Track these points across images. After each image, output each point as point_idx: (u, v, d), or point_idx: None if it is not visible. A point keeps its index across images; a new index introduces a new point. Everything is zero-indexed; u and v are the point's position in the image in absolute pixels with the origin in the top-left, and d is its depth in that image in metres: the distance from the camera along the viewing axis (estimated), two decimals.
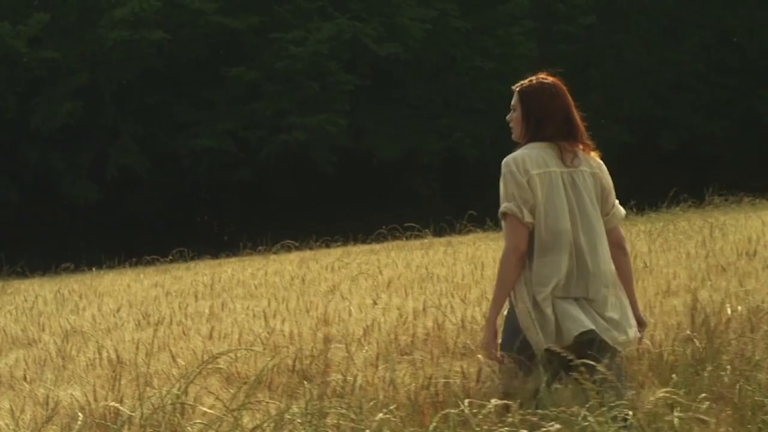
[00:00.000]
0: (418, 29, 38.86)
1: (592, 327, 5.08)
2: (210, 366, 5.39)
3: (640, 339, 5.41)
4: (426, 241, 20.25)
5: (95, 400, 4.40)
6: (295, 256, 19.26)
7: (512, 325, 5.19)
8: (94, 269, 21.78)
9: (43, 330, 7.93)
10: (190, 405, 4.13)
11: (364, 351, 5.97)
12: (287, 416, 3.77)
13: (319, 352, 5.48)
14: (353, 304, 8.14)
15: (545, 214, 5.21)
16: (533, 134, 5.38)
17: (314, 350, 5.85)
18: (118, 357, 5.76)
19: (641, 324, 5.40)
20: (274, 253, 22.16)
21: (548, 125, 5.35)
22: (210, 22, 36.98)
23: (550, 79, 5.50)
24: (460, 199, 39.36)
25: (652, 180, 38.43)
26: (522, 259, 5.19)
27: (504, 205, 5.23)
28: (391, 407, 4.16)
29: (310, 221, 34.91)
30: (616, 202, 5.44)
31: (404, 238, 22.46)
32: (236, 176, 37.49)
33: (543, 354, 5.00)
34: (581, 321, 5.08)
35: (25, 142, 36.08)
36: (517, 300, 5.19)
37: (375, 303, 8.45)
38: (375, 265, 13.27)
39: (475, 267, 11.65)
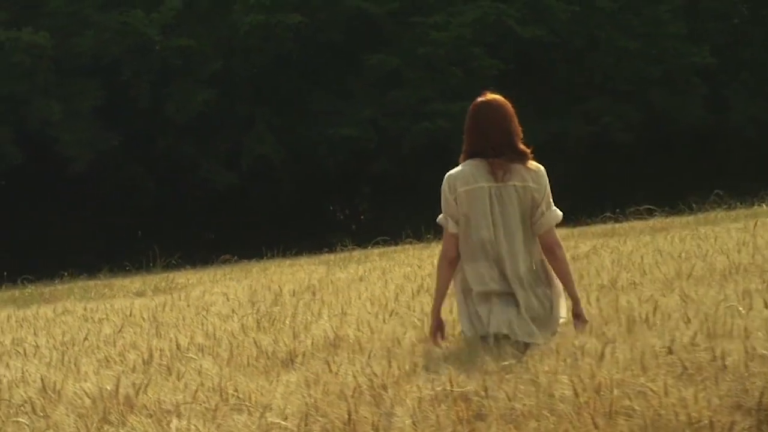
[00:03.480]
0: (563, 10, 37.06)
1: (506, 332, 5.72)
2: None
3: (581, 328, 5.84)
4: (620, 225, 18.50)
5: None
6: None
7: None
8: (254, 260, 20.48)
9: (299, 341, 6.27)
10: None
11: None
12: None
13: None
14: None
15: (470, 225, 5.96)
16: (465, 152, 6.08)
17: None
18: (462, 390, 4.04)
19: (580, 319, 5.96)
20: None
21: (473, 144, 6.05)
22: (348, 6, 35.54)
23: (487, 98, 6.11)
24: (607, 184, 37.65)
25: None
26: (453, 262, 6.05)
27: (438, 218, 6.12)
28: None
29: None
30: (546, 210, 6.02)
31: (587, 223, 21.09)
32: (375, 166, 36.08)
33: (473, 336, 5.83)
34: (499, 323, 5.77)
35: (159, 132, 35.12)
36: (456, 295, 6.10)
37: None
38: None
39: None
